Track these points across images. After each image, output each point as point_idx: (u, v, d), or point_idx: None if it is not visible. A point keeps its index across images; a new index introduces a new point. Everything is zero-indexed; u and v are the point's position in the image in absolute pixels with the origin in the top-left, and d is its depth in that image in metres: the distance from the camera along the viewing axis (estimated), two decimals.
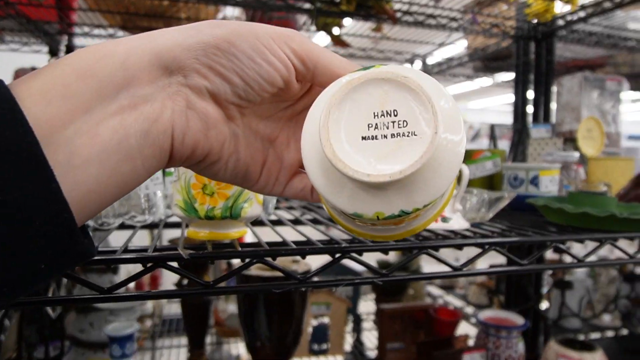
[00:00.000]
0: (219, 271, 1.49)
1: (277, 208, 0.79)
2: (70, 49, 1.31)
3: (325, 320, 1.36)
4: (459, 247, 0.48)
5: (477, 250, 0.50)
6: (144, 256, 0.38)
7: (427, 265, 2.22)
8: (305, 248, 0.43)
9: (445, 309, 1.30)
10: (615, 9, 1.08)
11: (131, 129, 0.23)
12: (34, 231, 0.19)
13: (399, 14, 1.08)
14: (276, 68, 0.26)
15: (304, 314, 0.90)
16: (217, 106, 0.27)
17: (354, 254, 0.44)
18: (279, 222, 0.66)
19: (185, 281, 1.09)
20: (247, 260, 0.42)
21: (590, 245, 0.56)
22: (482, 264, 1.92)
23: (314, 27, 1.42)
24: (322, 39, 1.54)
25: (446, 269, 0.47)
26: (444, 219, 0.58)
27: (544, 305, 1.49)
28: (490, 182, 0.90)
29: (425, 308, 1.23)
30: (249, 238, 0.59)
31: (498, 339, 1.09)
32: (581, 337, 1.23)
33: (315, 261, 0.49)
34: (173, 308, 1.65)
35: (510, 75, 1.99)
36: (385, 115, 0.24)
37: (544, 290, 1.40)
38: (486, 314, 1.16)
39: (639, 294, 1.49)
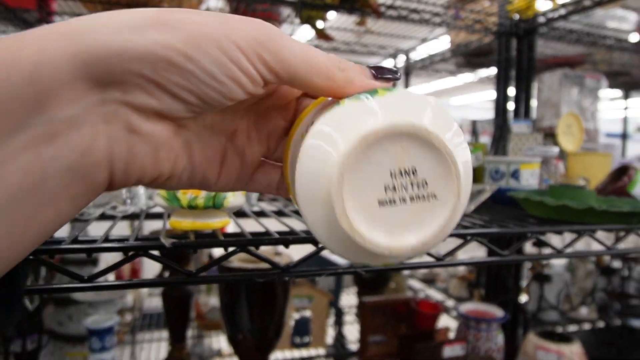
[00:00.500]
0: (200, 263, 1.48)
1: (260, 200, 0.79)
2: None
3: (307, 313, 1.36)
4: None
5: (459, 242, 0.51)
6: (125, 245, 0.38)
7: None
8: (289, 237, 0.43)
9: (426, 301, 1.32)
10: (595, 7, 1.10)
11: (50, 167, 0.18)
12: None
13: (382, 8, 1.08)
14: (242, 85, 0.21)
15: (286, 306, 0.90)
16: (166, 121, 0.22)
17: None
18: (262, 214, 0.66)
19: (166, 273, 1.08)
20: (230, 249, 0.42)
21: (569, 239, 0.57)
22: (463, 257, 1.95)
23: (297, 20, 1.42)
24: (306, 32, 1.53)
25: (429, 259, 0.47)
26: None
27: (523, 298, 1.51)
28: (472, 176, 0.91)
29: (406, 301, 1.24)
30: (231, 229, 0.58)
31: (478, 332, 1.11)
32: (559, 330, 1.26)
33: (299, 253, 0.49)
34: (154, 302, 1.64)
35: (492, 72, 2.02)
36: (404, 174, 0.21)
37: (523, 283, 1.43)
38: (466, 307, 1.18)
39: (615, 287, 1.52)
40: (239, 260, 0.85)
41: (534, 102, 1.38)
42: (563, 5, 1.19)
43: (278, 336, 0.88)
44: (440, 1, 1.27)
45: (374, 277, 1.49)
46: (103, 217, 0.58)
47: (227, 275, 0.43)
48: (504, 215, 0.68)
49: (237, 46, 0.20)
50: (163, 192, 0.46)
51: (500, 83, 1.41)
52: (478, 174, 0.92)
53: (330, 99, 0.25)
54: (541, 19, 1.29)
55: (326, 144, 0.21)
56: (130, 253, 0.38)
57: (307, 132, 0.22)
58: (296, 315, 1.39)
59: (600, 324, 1.50)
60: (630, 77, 2.13)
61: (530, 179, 0.78)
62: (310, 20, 1.41)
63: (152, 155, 0.22)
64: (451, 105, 6.37)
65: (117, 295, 1.10)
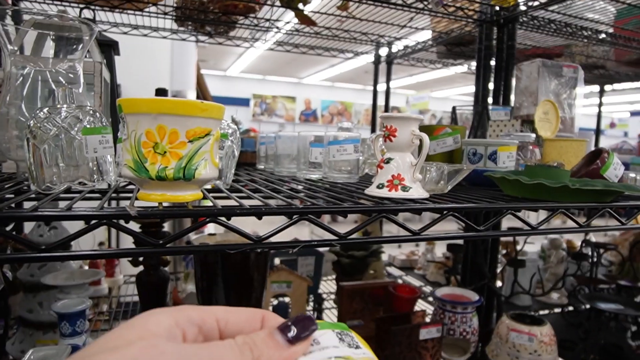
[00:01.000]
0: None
1: (236, 180, 0.77)
2: (17, 16, 1.22)
3: (286, 299, 1.35)
4: (418, 212, 0.48)
5: (435, 217, 0.50)
6: (89, 213, 0.36)
7: (389, 247, 2.24)
8: (261, 208, 0.41)
9: (404, 286, 1.33)
10: None
11: None
12: None
13: None
14: None
15: (263, 291, 0.89)
16: None
17: (311, 216, 0.43)
18: (237, 191, 0.64)
19: (141, 267, 1.06)
20: (200, 220, 0.40)
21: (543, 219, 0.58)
22: (440, 245, 1.97)
23: (278, 3, 1.39)
24: (288, 16, 1.51)
25: (406, 233, 0.47)
26: (404, 188, 0.58)
27: (498, 283, 1.53)
28: (450, 158, 0.91)
29: (384, 285, 1.24)
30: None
31: (454, 315, 1.12)
32: (531, 314, 1.28)
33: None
34: (130, 290, 1.61)
35: (472, 65, 2.03)
36: None
37: (498, 269, 1.45)
38: (443, 291, 1.19)
39: (584, 272, 1.56)
40: (213, 241, 0.83)
41: (512, 90, 1.39)
42: None
43: None
44: None
45: (353, 263, 1.49)
46: (69, 192, 0.56)
47: (197, 246, 0.42)
48: (481, 195, 0.68)
49: None
50: (130, 163, 0.44)
51: (480, 71, 1.42)
52: (456, 157, 0.92)
53: None
54: (522, 8, 1.30)
55: None
56: (92, 222, 0.36)
57: None
58: (275, 301, 1.38)
59: (569, 309, 1.53)
60: (605, 70, 2.17)
61: (507, 161, 0.79)
62: (291, 4, 1.39)
63: None
64: (432, 97, 6.41)
65: (88, 278, 1.08)
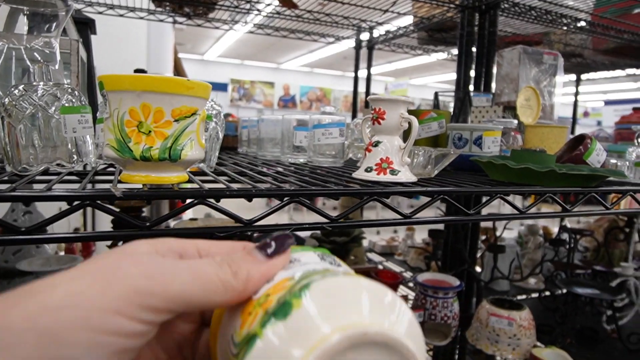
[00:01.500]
0: None
1: (219, 164, 0.75)
2: None
3: None
4: (409, 195, 0.48)
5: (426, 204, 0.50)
6: (71, 194, 0.34)
7: (369, 233, 2.25)
8: (251, 190, 0.40)
9: (386, 271, 1.33)
10: None
11: None
12: None
13: None
14: (136, 336, 0.20)
15: None
16: None
17: (302, 199, 0.42)
18: (222, 174, 0.63)
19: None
20: (188, 201, 0.39)
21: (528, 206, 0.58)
22: (422, 234, 1.98)
23: None
24: None
25: (396, 216, 0.46)
26: (393, 172, 0.57)
27: (478, 269, 1.56)
28: (435, 143, 0.91)
29: (366, 270, 1.25)
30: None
31: (435, 299, 1.13)
32: (510, 298, 1.30)
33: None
34: None
35: (452, 51, 2.04)
36: None
37: (478, 254, 1.47)
38: (424, 277, 1.20)
39: (561, 258, 1.60)
40: (203, 224, 0.81)
41: (493, 78, 1.40)
42: None
43: None
44: None
45: (335, 249, 1.49)
46: (47, 174, 0.53)
47: (186, 229, 0.40)
48: (467, 179, 0.68)
49: (115, 311, 0.19)
50: (113, 142, 0.42)
51: (462, 57, 1.42)
52: (441, 142, 0.92)
53: None
54: None
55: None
56: (75, 203, 0.34)
57: None
58: None
59: (546, 294, 1.57)
60: (583, 58, 2.20)
61: (492, 146, 0.79)
62: None
63: None
64: (410, 84, 6.43)
65: (64, 264, 1.04)
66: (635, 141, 1.03)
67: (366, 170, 0.59)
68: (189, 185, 0.49)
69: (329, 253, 0.28)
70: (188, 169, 0.50)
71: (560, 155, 0.83)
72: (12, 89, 0.51)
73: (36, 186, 0.55)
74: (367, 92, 2.09)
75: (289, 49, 6.36)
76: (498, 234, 1.56)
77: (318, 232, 1.51)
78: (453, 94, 1.39)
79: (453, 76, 1.42)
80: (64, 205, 0.51)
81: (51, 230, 0.41)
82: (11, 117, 0.51)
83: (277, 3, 1.48)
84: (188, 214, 2.23)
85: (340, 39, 2.06)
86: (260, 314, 0.21)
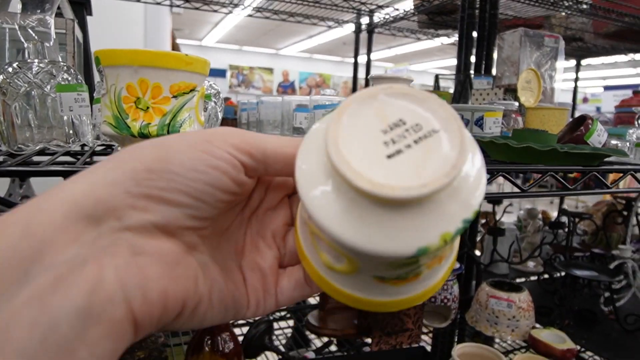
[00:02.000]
0: None
1: None
2: None
3: None
4: None
5: None
6: (69, 168, 0.34)
7: None
8: None
9: None
10: None
11: (60, 312, 0.17)
12: None
13: None
14: (224, 171, 0.22)
15: None
16: (172, 239, 0.21)
17: None
18: None
19: None
20: None
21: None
22: None
23: None
24: None
25: None
26: None
27: (477, 252, 1.56)
28: None
29: None
30: None
31: None
32: (509, 281, 1.31)
33: None
34: None
35: (453, 35, 2.02)
36: (394, 127, 0.20)
37: (478, 237, 1.47)
38: None
39: (560, 241, 1.60)
40: None
41: (494, 62, 1.39)
42: None
43: None
44: None
45: None
46: (43, 153, 0.53)
47: None
48: None
49: (206, 140, 0.22)
50: (110, 119, 0.42)
51: (463, 40, 1.40)
52: None
53: None
54: None
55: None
56: None
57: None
58: None
59: (545, 277, 1.58)
60: (583, 42, 2.18)
61: (493, 127, 0.78)
62: None
63: (168, 275, 0.20)
64: (410, 70, 6.39)
65: None
66: (636, 122, 1.02)
67: None
68: None
69: None
70: None
71: (562, 136, 0.83)
72: (6, 67, 0.50)
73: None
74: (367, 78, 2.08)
75: (287, 34, 6.31)
76: (498, 217, 1.56)
77: None
78: (454, 77, 1.38)
79: (452, 62, 1.41)
80: None
81: None
82: (5, 95, 0.50)
83: None
84: None
85: (340, 22, 2.04)
86: None
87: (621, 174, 0.66)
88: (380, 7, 1.83)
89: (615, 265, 1.41)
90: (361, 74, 2.06)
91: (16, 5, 0.62)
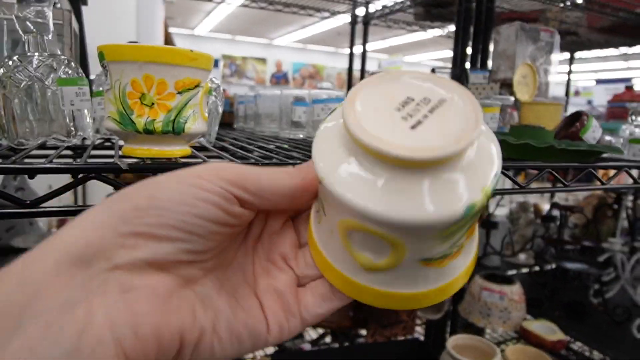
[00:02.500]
0: None
1: (218, 139, 0.75)
2: None
3: None
4: None
5: None
6: (74, 166, 0.34)
7: None
8: (258, 163, 0.40)
9: None
10: None
11: (48, 358, 0.17)
12: None
13: None
14: (214, 203, 0.21)
15: None
16: (164, 273, 0.21)
17: None
18: (223, 149, 0.63)
19: None
20: None
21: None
22: None
23: None
24: None
25: None
26: None
27: None
28: None
29: None
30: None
31: None
32: (501, 273, 1.33)
33: None
34: None
35: (449, 27, 2.02)
36: (405, 104, 0.21)
37: None
38: None
39: (551, 234, 1.62)
40: None
41: (490, 54, 1.39)
42: None
43: None
44: None
45: None
46: (44, 147, 0.53)
47: None
48: None
49: (196, 175, 0.22)
50: (114, 115, 0.42)
51: (459, 33, 1.40)
52: None
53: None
54: None
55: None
56: (80, 175, 0.34)
57: None
58: None
59: (536, 269, 1.60)
60: (577, 36, 2.19)
61: (490, 122, 0.79)
62: None
63: (159, 309, 0.20)
64: (404, 61, 6.38)
65: None
66: (629, 119, 1.04)
67: None
68: (192, 160, 0.49)
69: None
70: (190, 142, 0.50)
71: (557, 132, 0.84)
72: (6, 60, 0.50)
73: (34, 161, 0.54)
74: (363, 69, 2.07)
75: (281, 24, 6.26)
76: (490, 210, 1.57)
77: None
78: (449, 71, 1.38)
79: (447, 54, 1.42)
80: (54, 183, 0.50)
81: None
82: (6, 89, 0.50)
83: None
84: None
85: (336, 13, 2.03)
86: None
87: (615, 170, 0.67)
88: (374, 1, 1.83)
89: (605, 258, 1.43)
90: (356, 65, 2.06)
91: None
